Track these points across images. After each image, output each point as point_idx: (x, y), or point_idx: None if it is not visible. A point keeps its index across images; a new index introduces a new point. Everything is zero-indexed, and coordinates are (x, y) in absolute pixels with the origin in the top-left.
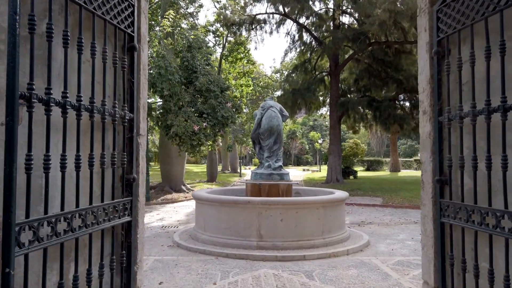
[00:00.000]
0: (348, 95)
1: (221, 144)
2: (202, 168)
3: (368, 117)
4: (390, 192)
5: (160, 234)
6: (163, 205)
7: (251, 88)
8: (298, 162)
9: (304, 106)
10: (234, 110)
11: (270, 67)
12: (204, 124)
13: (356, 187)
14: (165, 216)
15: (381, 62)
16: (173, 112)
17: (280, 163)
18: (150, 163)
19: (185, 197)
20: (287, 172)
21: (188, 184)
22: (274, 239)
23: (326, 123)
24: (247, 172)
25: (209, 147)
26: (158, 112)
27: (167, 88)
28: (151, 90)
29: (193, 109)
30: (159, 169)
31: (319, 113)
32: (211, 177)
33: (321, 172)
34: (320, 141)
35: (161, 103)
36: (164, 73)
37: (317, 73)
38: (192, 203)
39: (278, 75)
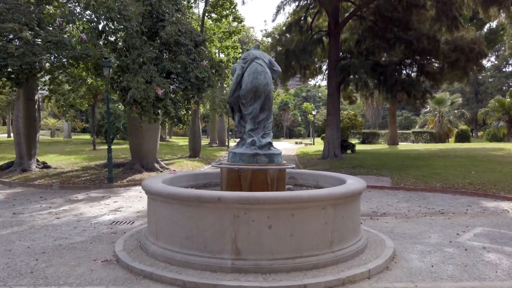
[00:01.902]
0: (349, 59)
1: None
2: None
3: (370, 84)
4: (398, 170)
5: (102, 237)
6: (127, 188)
7: (239, 51)
8: (290, 134)
9: (299, 71)
10: (213, 71)
11: (261, 31)
12: (172, 87)
13: (357, 164)
14: (124, 205)
15: (388, 20)
16: (131, 71)
17: (269, 139)
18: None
19: None
20: (279, 151)
21: (166, 160)
22: (258, 255)
23: (320, 94)
24: None
25: (183, 117)
26: (112, 72)
27: (121, 39)
28: (99, 40)
29: (157, 68)
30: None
31: (314, 82)
32: (194, 152)
33: (315, 145)
34: (314, 113)
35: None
36: (117, 19)
37: (313, 33)
38: None
39: (269, 39)
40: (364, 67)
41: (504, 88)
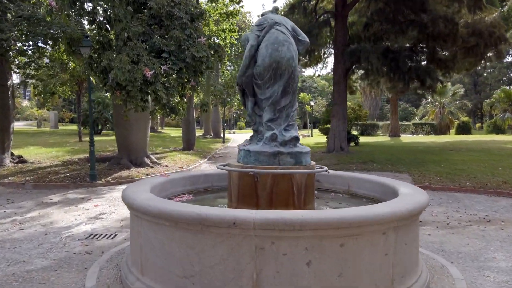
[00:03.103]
0: (356, 44)
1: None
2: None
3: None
4: (415, 166)
5: (72, 260)
6: (112, 187)
7: (236, 36)
8: None
9: (305, 56)
10: (211, 52)
11: (258, 16)
12: (164, 68)
13: (368, 158)
14: (106, 210)
15: (401, 1)
16: (113, 49)
17: (295, 132)
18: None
19: (147, 174)
20: (307, 149)
21: (157, 153)
22: None
23: (315, 84)
24: (232, 137)
25: (177, 106)
26: (91, 49)
27: (102, 9)
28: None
29: (146, 45)
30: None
31: (313, 71)
32: (188, 145)
33: (313, 137)
34: (312, 103)
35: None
36: None
37: (318, 16)
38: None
39: None
40: (376, 52)
41: (504, 79)
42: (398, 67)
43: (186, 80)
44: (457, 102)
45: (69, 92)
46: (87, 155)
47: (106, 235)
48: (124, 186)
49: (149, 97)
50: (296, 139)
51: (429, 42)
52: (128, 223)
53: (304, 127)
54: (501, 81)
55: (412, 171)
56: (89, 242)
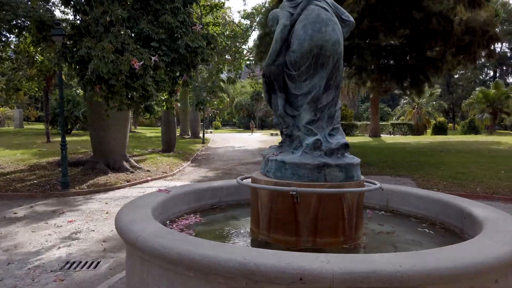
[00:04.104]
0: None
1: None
2: (157, 131)
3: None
4: (414, 169)
5: None
6: (88, 197)
7: (218, 30)
8: (262, 125)
9: None
10: (205, 42)
11: (239, 12)
12: (154, 59)
13: (362, 161)
14: (83, 228)
15: None
16: (93, 35)
17: (344, 139)
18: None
19: (128, 181)
20: (358, 160)
21: (136, 156)
22: None
23: None
24: (211, 137)
25: (164, 104)
26: (63, 37)
27: None
28: None
29: (132, 32)
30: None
31: None
32: (168, 146)
33: None
34: None
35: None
36: None
37: None
38: (140, 192)
39: (248, 21)
40: (369, 49)
41: (476, 80)
42: (390, 65)
43: (178, 74)
44: (434, 102)
45: (36, 89)
46: (57, 158)
47: (86, 262)
48: (102, 195)
49: (135, 92)
50: (346, 146)
51: (421, 40)
52: (112, 245)
53: None
54: (473, 82)
55: (413, 175)
56: (65, 275)
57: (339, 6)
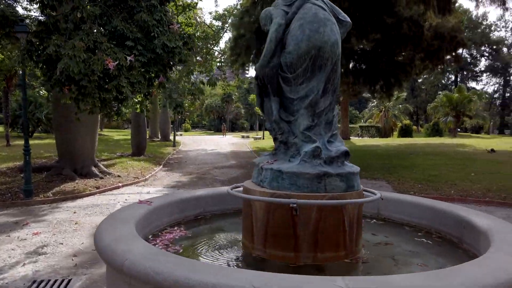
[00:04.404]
0: None
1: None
2: (125, 134)
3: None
4: (388, 172)
5: None
6: (55, 205)
7: (191, 31)
8: (233, 128)
9: (260, 52)
10: (181, 42)
11: (210, 13)
12: (129, 59)
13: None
14: (50, 241)
15: (365, 1)
16: (62, 32)
17: (343, 146)
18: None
19: (97, 187)
20: (357, 168)
21: (104, 160)
22: None
23: None
24: (182, 140)
25: (137, 107)
26: (31, 33)
27: None
28: None
29: (105, 30)
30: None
31: None
32: (138, 149)
33: (265, 139)
34: None
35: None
36: None
37: None
38: (111, 200)
39: (219, 23)
40: (343, 52)
41: (438, 84)
42: (363, 69)
43: (154, 75)
44: (400, 106)
45: None
46: (18, 163)
47: (56, 281)
48: (69, 204)
49: (109, 95)
50: (346, 154)
51: (392, 44)
52: (84, 260)
53: (251, 129)
54: (436, 86)
55: (388, 178)
56: None
57: (335, 5)
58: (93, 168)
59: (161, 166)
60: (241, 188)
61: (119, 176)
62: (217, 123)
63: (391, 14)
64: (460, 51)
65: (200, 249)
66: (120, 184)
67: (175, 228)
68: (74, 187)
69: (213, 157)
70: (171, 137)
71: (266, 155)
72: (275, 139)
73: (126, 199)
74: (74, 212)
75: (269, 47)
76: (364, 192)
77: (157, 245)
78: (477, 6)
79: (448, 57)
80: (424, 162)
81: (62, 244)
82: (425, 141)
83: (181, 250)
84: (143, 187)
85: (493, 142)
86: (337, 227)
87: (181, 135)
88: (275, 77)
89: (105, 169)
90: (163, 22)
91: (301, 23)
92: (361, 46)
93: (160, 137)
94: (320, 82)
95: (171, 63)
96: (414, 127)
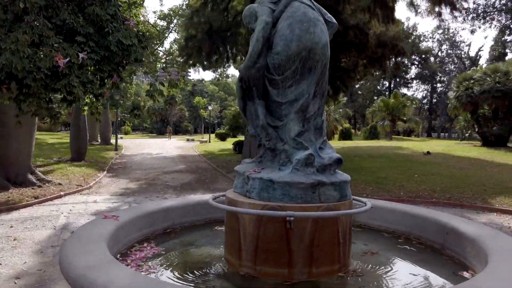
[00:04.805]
0: None
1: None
2: (60, 137)
3: None
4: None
5: None
6: None
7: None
8: (176, 131)
9: (226, 56)
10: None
11: (155, 12)
12: (81, 55)
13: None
14: None
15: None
16: (2, 24)
17: (334, 152)
18: None
19: (35, 197)
20: (348, 177)
21: (40, 166)
22: None
23: (205, 89)
24: (124, 143)
25: (85, 109)
26: None
27: None
28: None
29: (52, 23)
30: None
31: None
32: (78, 154)
33: (211, 142)
34: (210, 108)
35: None
36: None
37: (231, 16)
38: (52, 211)
39: (164, 23)
40: None
41: (374, 90)
42: None
43: (106, 74)
44: (340, 110)
45: None
46: None
47: None
48: (4, 217)
49: (58, 94)
50: (339, 162)
51: (338, 51)
52: (29, 282)
53: (195, 132)
54: (372, 92)
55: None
56: None
57: (320, 6)
58: (30, 176)
59: (105, 172)
60: (222, 198)
61: (60, 184)
62: (160, 125)
63: (338, 21)
64: (401, 58)
65: (180, 268)
66: (62, 193)
67: (145, 244)
68: (8, 197)
69: (160, 162)
70: (112, 141)
71: (249, 162)
72: (259, 145)
73: (70, 210)
74: (11, 227)
75: (256, 47)
76: (366, 207)
77: (129, 266)
78: (416, 15)
79: (389, 63)
80: (371, 165)
81: (0, 264)
82: (366, 144)
83: (160, 272)
84: (88, 196)
85: (426, 144)
86: (332, 240)
87: (121, 138)
88: (261, 79)
89: (44, 177)
90: (118, 18)
91: (290, 22)
92: None
93: (100, 140)
94: (310, 85)
95: (125, 61)
96: (353, 130)
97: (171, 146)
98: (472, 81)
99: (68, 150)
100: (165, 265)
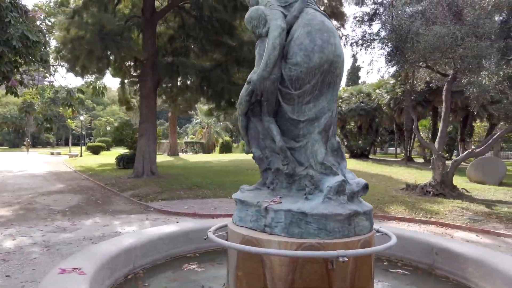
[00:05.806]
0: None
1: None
2: None
3: (196, 87)
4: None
5: None
6: None
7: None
8: (35, 143)
9: (116, 61)
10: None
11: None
12: None
13: (190, 183)
14: None
15: (211, 19)
16: None
17: (356, 177)
18: None
19: None
20: (369, 206)
21: None
22: None
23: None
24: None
25: None
26: None
27: None
28: None
29: None
30: None
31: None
32: None
33: (83, 157)
34: (82, 118)
35: None
36: None
37: (126, 19)
38: None
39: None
40: (195, 68)
41: None
42: (210, 85)
43: (5, 74)
44: (221, 123)
45: None
46: None
47: None
48: None
49: None
50: (366, 188)
51: (232, 64)
52: None
53: (57, 144)
54: None
55: None
56: None
57: None
58: None
59: None
60: (219, 232)
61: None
62: (14, 137)
63: (233, 36)
64: None
65: None
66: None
67: None
68: None
69: (30, 181)
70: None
71: (252, 189)
72: (264, 170)
73: None
74: None
75: (273, 55)
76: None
77: None
78: None
79: None
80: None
81: None
82: (248, 156)
83: None
84: None
85: None
86: (368, 275)
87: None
88: (275, 93)
89: None
90: (18, 6)
91: (308, 30)
92: (200, 63)
93: None
94: (331, 102)
95: (28, 61)
96: (234, 143)
97: (36, 161)
98: (340, 100)
99: None
100: None
